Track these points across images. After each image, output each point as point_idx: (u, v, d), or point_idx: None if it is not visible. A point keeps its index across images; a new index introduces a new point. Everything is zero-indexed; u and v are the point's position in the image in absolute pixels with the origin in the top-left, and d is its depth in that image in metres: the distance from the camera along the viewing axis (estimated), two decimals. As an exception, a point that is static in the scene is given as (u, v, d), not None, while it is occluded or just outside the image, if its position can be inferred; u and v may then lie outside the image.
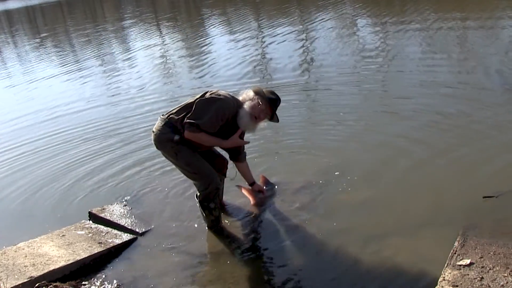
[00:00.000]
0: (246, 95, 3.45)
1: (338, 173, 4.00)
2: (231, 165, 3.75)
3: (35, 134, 6.32)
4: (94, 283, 3.06)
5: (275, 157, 4.53)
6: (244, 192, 3.90)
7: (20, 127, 6.77)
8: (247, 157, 3.75)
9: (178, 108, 3.39)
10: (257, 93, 3.41)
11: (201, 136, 3.27)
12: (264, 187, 3.91)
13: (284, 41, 10.36)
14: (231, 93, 3.49)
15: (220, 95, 3.35)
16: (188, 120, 3.25)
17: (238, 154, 3.68)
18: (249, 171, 3.79)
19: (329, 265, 2.96)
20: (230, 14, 17.40)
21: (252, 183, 3.82)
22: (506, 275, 2.51)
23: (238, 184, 3.96)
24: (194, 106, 3.29)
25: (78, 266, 3.19)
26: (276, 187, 3.97)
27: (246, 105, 3.38)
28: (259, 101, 3.37)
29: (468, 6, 11.22)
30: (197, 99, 3.34)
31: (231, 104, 3.36)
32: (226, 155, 3.72)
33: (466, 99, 5.35)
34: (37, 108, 7.76)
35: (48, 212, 4.15)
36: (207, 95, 3.35)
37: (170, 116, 3.36)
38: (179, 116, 3.32)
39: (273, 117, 3.45)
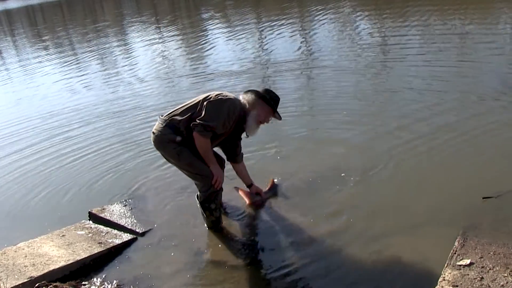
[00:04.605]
0: (246, 99, 3.41)
1: (343, 174, 3.99)
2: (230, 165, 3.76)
3: (35, 134, 6.32)
4: (94, 283, 3.06)
5: (275, 156, 4.54)
6: (241, 194, 3.87)
7: (19, 127, 6.76)
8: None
9: (182, 109, 3.34)
10: (259, 97, 3.39)
11: (206, 142, 3.24)
12: (267, 189, 3.86)
13: (284, 35, 10.38)
14: (234, 94, 3.46)
15: (227, 96, 3.32)
16: (200, 122, 3.19)
17: (235, 155, 3.66)
18: (247, 172, 3.76)
19: (329, 265, 2.95)
20: (229, 11, 17.38)
21: (249, 185, 3.79)
22: (506, 275, 2.51)
23: (236, 186, 3.96)
24: (203, 108, 3.23)
25: (78, 266, 3.19)
26: (278, 190, 3.91)
27: (252, 113, 3.36)
28: (263, 106, 3.38)
29: None
30: (203, 100, 3.28)
31: (237, 105, 3.34)
32: (222, 155, 3.72)
33: (466, 98, 5.34)
34: (36, 107, 7.77)
35: (48, 212, 4.15)
36: (213, 96, 3.30)
37: (172, 117, 3.31)
38: (183, 117, 3.27)
39: (276, 116, 3.47)
